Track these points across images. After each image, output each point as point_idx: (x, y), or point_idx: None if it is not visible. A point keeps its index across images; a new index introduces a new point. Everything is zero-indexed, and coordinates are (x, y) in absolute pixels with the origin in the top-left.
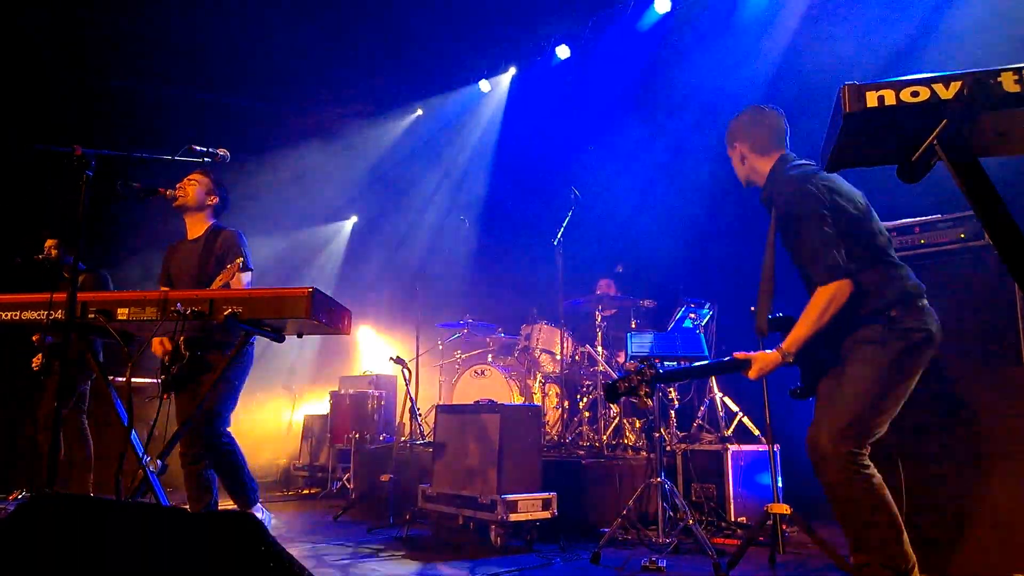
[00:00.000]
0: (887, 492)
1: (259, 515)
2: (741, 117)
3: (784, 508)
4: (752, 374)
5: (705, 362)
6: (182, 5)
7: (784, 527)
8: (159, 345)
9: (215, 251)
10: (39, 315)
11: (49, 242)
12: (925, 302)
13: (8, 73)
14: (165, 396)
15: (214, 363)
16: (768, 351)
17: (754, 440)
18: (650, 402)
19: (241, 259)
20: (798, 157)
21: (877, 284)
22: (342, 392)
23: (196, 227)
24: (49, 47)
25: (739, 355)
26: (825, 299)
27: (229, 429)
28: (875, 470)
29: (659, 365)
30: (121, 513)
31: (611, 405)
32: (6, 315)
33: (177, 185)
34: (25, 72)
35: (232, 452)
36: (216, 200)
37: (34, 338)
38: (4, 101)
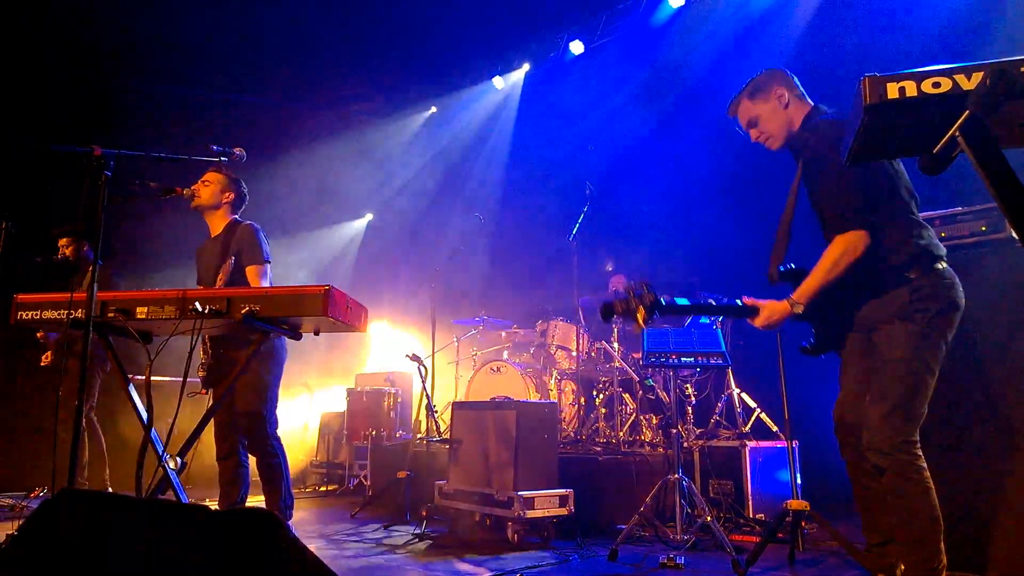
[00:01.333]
0: (933, 487)
1: None
2: (771, 71)
3: (803, 505)
4: (758, 322)
5: (712, 302)
6: (198, 5)
7: (803, 524)
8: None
9: (231, 247)
10: (59, 314)
11: (62, 241)
12: (944, 264)
13: (24, 73)
14: (203, 392)
15: (242, 361)
16: (777, 301)
17: (772, 436)
18: (643, 326)
19: (232, 259)
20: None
21: (896, 241)
22: (359, 389)
23: (216, 224)
24: (66, 48)
25: (748, 300)
26: (840, 249)
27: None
28: (925, 463)
29: (660, 296)
30: (144, 510)
31: (627, 401)
32: (27, 314)
33: (192, 187)
34: (42, 73)
35: (277, 457)
36: (232, 196)
37: (39, 335)
38: (19, 102)
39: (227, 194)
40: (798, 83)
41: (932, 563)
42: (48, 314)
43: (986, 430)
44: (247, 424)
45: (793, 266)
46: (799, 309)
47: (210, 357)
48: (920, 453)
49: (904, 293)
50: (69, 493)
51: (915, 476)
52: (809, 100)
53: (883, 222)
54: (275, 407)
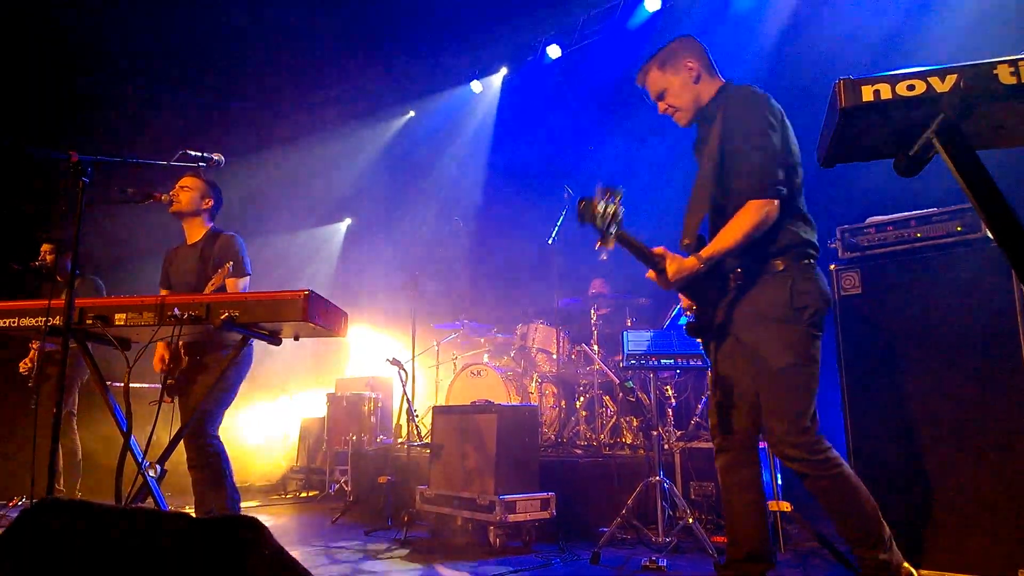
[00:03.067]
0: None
1: None
2: (682, 40)
3: (785, 506)
4: (666, 275)
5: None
6: (173, 7)
7: (784, 525)
8: (159, 362)
9: (213, 256)
10: (37, 321)
11: (45, 247)
12: (812, 261)
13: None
14: (168, 400)
15: (213, 366)
16: (684, 257)
17: None
18: (611, 245)
19: (231, 263)
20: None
21: (791, 227)
22: (339, 394)
23: (194, 231)
24: (40, 50)
25: (658, 250)
26: (757, 213)
27: (219, 434)
28: (835, 452)
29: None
30: (124, 519)
31: (608, 404)
32: (4, 322)
33: (171, 192)
34: (20, 76)
35: (217, 455)
36: (211, 203)
37: (32, 345)
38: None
39: (206, 200)
40: (710, 55)
41: (883, 536)
42: (25, 321)
43: (949, 427)
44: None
45: (704, 236)
46: (703, 269)
47: (179, 364)
48: (829, 445)
49: (786, 290)
50: (49, 502)
51: (836, 470)
52: (720, 76)
53: (788, 202)
54: (224, 408)
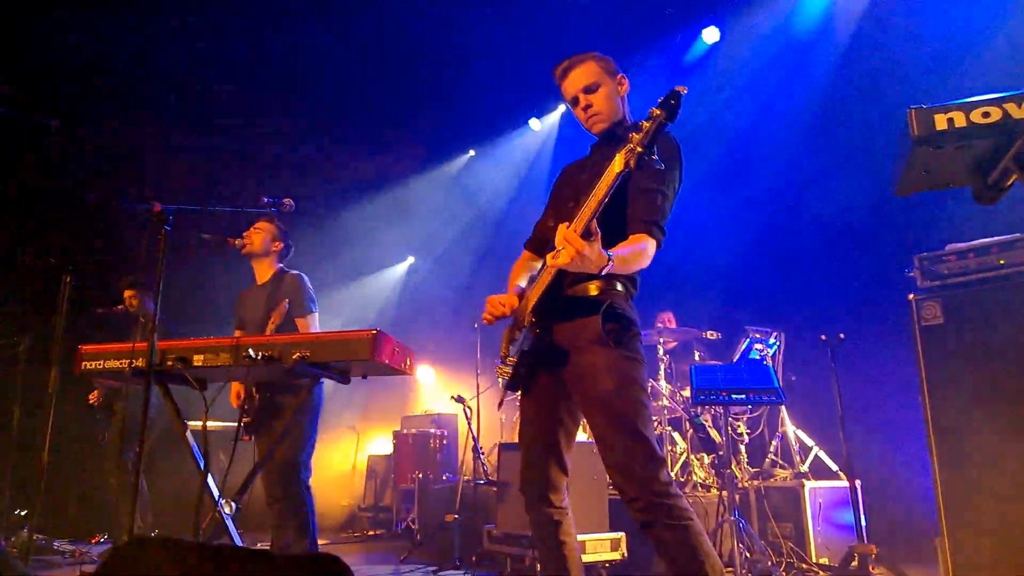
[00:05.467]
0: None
1: None
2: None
3: (870, 548)
4: (568, 251)
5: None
6: (242, 59)
7: (871, 568)
8: (235, 398)
9: (279, 295)
10: (121, 363)
11: (128, 293)
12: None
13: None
14: (245, 438)
15: (287, 406)
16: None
17: (832, 475)
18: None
19: (287, 300)
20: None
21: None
22: (404, 432)
23: (263, 272)
24: (123, 101)
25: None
26: (647, 248)
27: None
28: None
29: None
30: (214, 556)
31: (677, 441)
32: (90, 364)
33: (244, 234)
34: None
35: (306, 507)
36: (281, 246)
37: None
38: (91, 156)
39: (276, 243)
40: None
41: None
42: (111, 364)
43: None
44: (280, 471)
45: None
46: (604, 270)
47: (255, 403)
48: (679, 492)
49: (600, 316)
50: (140, 539)
51: (687, 519)
52: None
53: None
54: (310, 455)
